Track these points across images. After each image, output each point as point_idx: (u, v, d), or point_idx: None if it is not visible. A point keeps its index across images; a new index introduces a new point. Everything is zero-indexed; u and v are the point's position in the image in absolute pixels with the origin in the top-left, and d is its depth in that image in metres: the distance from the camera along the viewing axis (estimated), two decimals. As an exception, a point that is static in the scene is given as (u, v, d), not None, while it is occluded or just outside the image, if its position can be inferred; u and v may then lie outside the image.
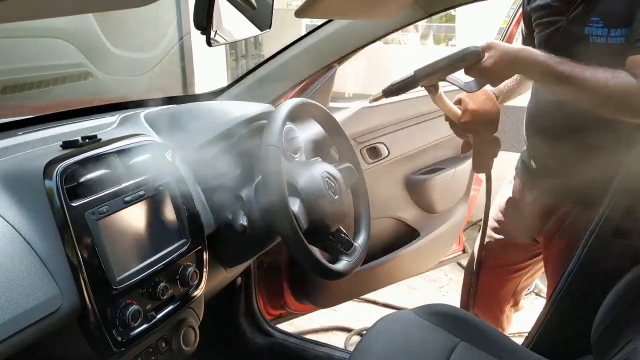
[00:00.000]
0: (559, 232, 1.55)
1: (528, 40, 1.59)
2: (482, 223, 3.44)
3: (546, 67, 1.27)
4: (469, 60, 1.31)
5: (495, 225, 1.77)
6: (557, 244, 1.56)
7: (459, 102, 1.49)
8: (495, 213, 1.77)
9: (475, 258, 1.78)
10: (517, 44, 1.68)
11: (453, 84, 1.38)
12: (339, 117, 1.53)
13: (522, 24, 1.62)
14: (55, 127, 1.35)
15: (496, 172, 1.59)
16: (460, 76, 1.38)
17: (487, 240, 1.77)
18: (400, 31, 1.89)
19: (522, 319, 2.05)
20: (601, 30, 1.30)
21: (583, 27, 1.33)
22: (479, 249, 1.77)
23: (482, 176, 2.50)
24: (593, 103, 1.26)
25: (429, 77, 1.37)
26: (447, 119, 1.51)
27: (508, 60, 1.30)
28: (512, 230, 1.72)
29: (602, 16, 1.30)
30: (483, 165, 1.56)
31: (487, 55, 1.30)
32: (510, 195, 1.72)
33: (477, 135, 1.49)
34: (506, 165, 1.77)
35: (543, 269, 1.75)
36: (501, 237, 1.75)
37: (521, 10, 1.60)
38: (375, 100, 1.47)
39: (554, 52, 1.38)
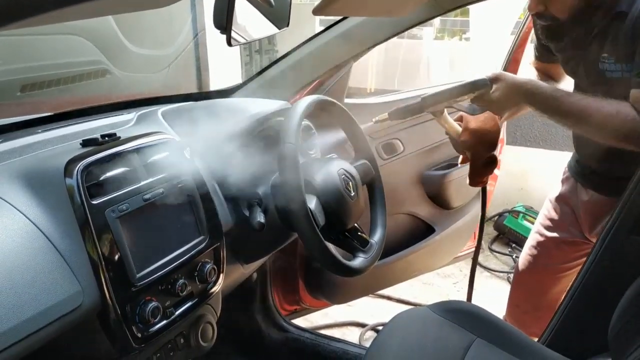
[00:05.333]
0: None
1: (540, 49, 1.59)
2: (496, 218, 3.46)
3: (552, 100, 1.30)
4: (477, 91, 1.34)
5: (548, 223, 1.76)
6: None
7: (460, 119, 1.51)
8: (547, 210, 1.77)
9: (472, 261, 1.82)
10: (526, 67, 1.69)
11: (456, 108, 1.42)
12: (354, 113, 1.52)
13: (532, 33, 1.62)
14: (74, 124, 1.36)
15: (548, 170, 1.57)
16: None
17: (539, 238, 1.78)
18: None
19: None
20: (613, 66, 1.33)
21: (597, 63, 1.35)
22: (475, 253, 1.80)
23: (497, 171, 2.51)
24: (598, 135, 1.32)
25: (436, 104, 1.40)
26: (447, 133, 1.53)
27: (514, 92, 1.32)
28: (565, 228, 1.71)
29: (611, 52, 1.32)
30: (478, 180, 1.57)
31: (494, 86, 1.32)
32: (563, 193, 1.72)
33: (474, 153, 1.51)
34: (557, 163, 1.76)
35: None
36: (554, 234, 1.74)
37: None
38: (380, 121, 1.50)
39: (578, 81, 1.45)
